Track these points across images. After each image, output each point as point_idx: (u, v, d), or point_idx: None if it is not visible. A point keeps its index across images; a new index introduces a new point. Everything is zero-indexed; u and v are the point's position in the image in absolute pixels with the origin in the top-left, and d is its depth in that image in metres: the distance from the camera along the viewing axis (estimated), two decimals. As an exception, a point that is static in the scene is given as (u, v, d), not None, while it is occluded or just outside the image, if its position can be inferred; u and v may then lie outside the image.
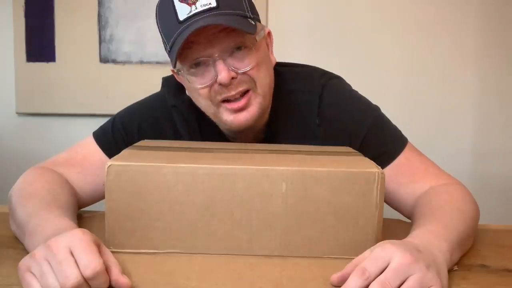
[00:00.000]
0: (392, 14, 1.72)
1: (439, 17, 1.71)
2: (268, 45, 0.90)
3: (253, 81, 0.83)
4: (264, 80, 0.84)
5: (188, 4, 0.79)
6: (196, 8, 0.78)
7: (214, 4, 0.78)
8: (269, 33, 0.90)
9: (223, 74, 0.79)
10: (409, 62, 1.74)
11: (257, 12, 0.87)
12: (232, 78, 0.81)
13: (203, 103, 0.86)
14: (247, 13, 0.82)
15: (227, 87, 0.81)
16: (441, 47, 1.72)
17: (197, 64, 0.82)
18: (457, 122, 1.75)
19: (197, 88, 0.83)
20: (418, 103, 1.75)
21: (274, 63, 0.90)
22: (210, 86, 0.82)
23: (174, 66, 0.84)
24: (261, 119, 0.89)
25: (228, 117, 0.84)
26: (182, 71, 0.84)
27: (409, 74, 1.74)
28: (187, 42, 0.78)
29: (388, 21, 1.73)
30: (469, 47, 1.72)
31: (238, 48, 0.81)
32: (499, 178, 1.75)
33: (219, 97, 0.82)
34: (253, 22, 0.82)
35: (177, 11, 0.79)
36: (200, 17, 0.78)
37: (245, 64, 0.81)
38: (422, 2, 1.71)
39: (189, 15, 0.78)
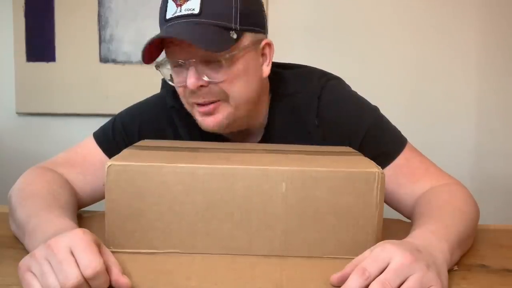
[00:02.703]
0: (393, 15, 1.72)
1: (441, 17, 1.71)
2: (266, 56, 0.86)
3: (224, 93, 0.82)
4: (239, 93, 0.82)
5: (176, 4, 0.79)
6: (180, 11, 0.78)
7: (197, 10, 0.77)
8: (268, 44, 0.86)
9: (191, 81, 0.80)
10: (410, 63, 1.74)
11: (254, 21, 0.83)
12: (202, 85, 0.81)
13: (183, 100, 0.87)
14: (231, 24, 0.79)
15: (195, 93, 0.82)
16: (443, 47, 1.72)
17: (177, 63, 0.83)
18: (459, 122, 1.75)
19: (176, 85, 0.85)
20: (419, 103, 1.75)
21: (265, 75, 0.87)
22: (184, 87, 0.83)
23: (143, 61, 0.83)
24: (257, 120, 0.89)
25: (199, 118, 0.85)
26: (161, 67, 0.85)
27: (410, 75, 1.74)
28: (172, 39, 0.79)
29: (389, 22, 1.73)
30: (471, 48, 1.72)
31: (212, 60, 0.80)
32: (501, 178, 1.75)
33: (191, 100, 0.84)
34: (234, 35, 0.79)
35: (168, 8, 0.80)
36: (181, 21, 0.78)
37: (218, 76, 0.80)
38: (424, 2, 1.71)
39: (173, 15, 0.79)
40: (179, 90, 0.85)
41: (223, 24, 0.79)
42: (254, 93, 0.86)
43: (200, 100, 0.82)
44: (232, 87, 0.82)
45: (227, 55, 0.79)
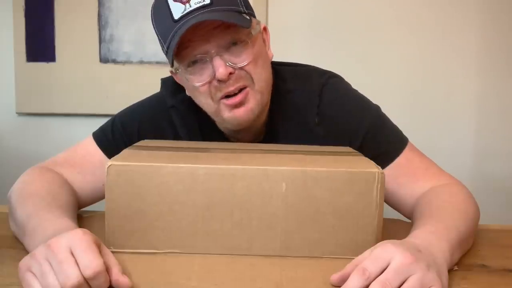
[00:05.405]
0: (393, 14, 1.72)
1: (441, 17, 1.71)
2: (265, 40, 0.90)
3: (250, 77, 0.83)
4: (261, 76, 0.84)
5: (182, 2, 0.79)
6: (190, 6, 0.78)
7: (207, 1, 0.78)
8: (265, 28, 0.90)
9: (221, 70, 0.79)
10: (410, 62, 1.74)
11: (251, 7, 0.87)
12: (230, 73, 0.81)
13: (204, 101, 0.86)
14: (241, 8, 0.82)
15: (226, 83, 0.81)
16: (443, 47, 1.72)
17: (194, 62, 0.82)
18: (459, 122, 1.75)
19: (196, 86, 0.83)
20: (419, 103, 1.75)
21: (271, 58, 0.91)
22: (209, 83, 0.82)
23: (172, 66, 0.84)
24: (260, 117, 0.89)
25: (228, 114, 0.84)
26: (179, 70, 0.85)
27: (410, 74, 1.74)
28: (183, 41, 0.79)
29: (390, 21, 1.72)
30: (471, 47, 1.72)
31: (234, 43, 0.81)
32: (500, 178, 1.75)
33: (219, 94, 0.82)
34: (247, 17, 0.83)
35: (172, 10, 0.79)
36: (195, 14, 0.78)
37: (242, 59, 0.82)
38: (424, 2, 1.71)
39: (183, 13, 0.79)
40: (203, 89, 0.83)
41: (235, 9, 0.81)
42: (270, 76, 0.89)
43: (231, 88, 0.81)
44: (256, 69, 0.83)
45: (250, 34, 0.82)
